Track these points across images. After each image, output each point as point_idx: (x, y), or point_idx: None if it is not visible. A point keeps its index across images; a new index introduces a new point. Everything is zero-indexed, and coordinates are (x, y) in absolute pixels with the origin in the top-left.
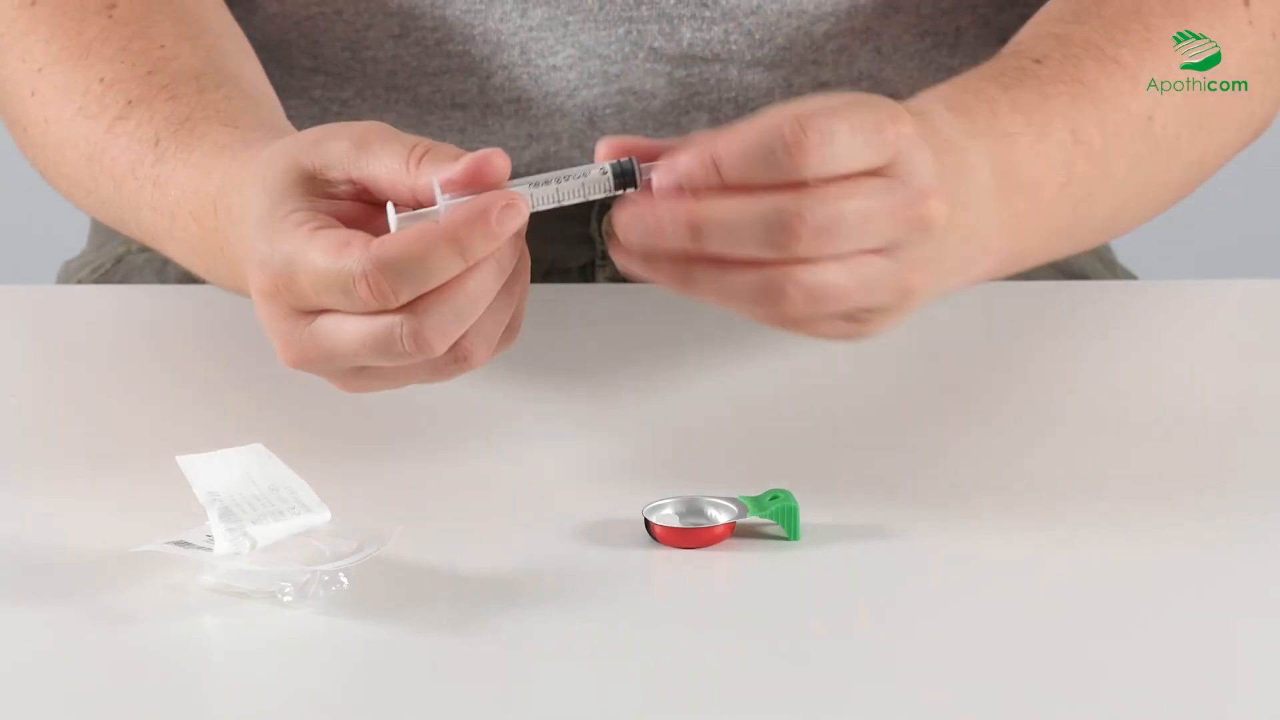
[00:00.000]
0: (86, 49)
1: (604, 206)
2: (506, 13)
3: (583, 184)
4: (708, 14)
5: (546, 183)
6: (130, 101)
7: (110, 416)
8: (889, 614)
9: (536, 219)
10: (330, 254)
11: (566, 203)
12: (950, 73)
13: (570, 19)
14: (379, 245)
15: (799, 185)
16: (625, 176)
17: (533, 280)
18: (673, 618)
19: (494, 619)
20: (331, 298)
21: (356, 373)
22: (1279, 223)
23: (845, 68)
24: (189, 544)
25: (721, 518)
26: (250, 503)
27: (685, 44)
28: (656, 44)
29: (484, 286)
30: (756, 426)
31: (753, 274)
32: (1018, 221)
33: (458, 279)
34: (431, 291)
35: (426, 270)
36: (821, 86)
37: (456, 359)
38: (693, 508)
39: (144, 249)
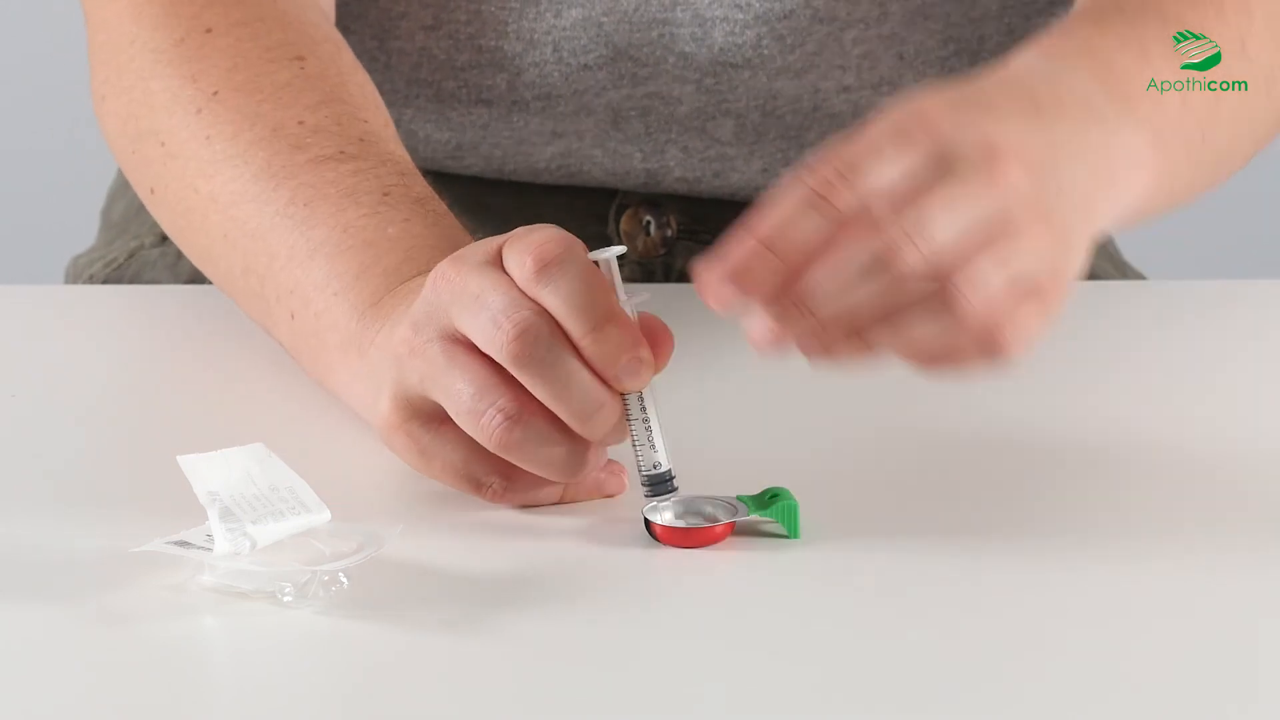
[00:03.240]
0: (280, 89)
1: (621, 206)
2: (540, 12)
3: (641, 454)
4: (740, 16)
5: (647, 422)
6: (343, 152)
7: (109, 416)
8: (890, 613)
9: (555, 217)
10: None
11: (635, 436)
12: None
13: (605, 20)
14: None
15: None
16: (660, 484)
17: None
18: (673, 618)
19: (494, 619)
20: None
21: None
22: None
23: (868, 73)
24: (189, 544)
25: (721, 517)
26: (250, 503)
27: (716, 48)
28: (687, 48)
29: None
30: (756, 426)
31: (926, 310)
32: (1150, 125)
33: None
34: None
35: (570, 284)
36: (845, 91)
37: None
38: (692, 508)
39: (157, 244)
